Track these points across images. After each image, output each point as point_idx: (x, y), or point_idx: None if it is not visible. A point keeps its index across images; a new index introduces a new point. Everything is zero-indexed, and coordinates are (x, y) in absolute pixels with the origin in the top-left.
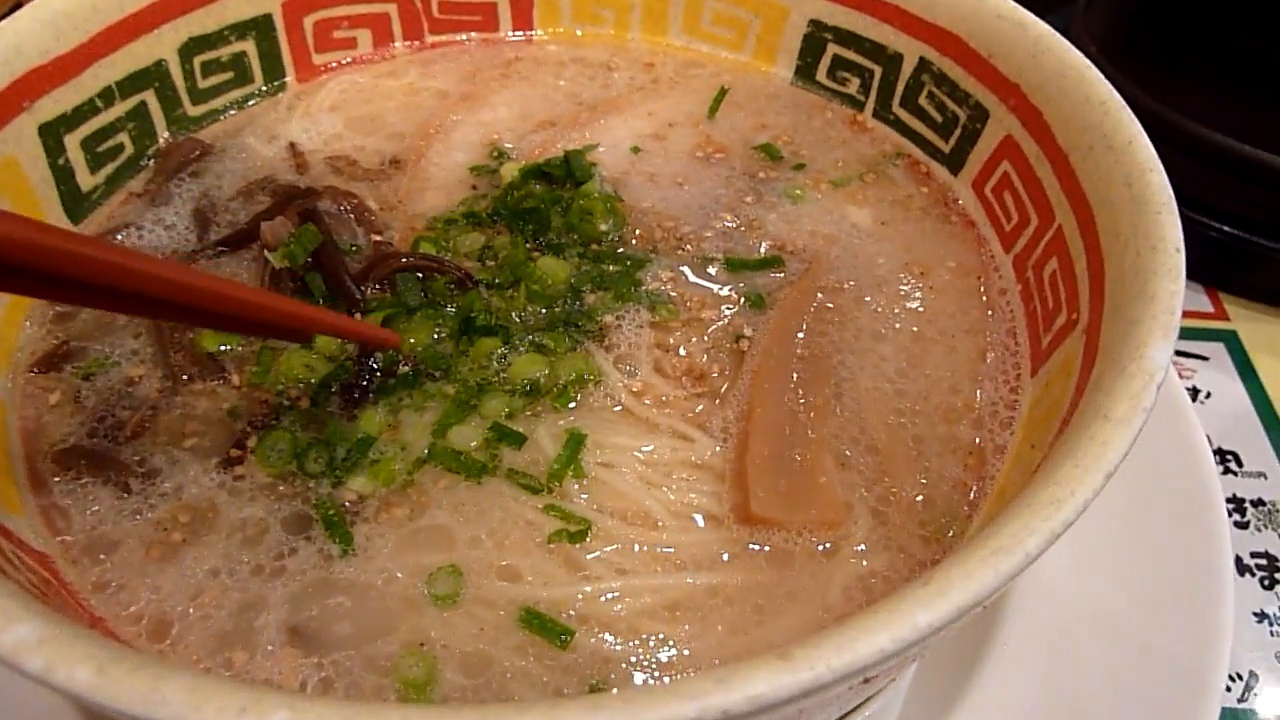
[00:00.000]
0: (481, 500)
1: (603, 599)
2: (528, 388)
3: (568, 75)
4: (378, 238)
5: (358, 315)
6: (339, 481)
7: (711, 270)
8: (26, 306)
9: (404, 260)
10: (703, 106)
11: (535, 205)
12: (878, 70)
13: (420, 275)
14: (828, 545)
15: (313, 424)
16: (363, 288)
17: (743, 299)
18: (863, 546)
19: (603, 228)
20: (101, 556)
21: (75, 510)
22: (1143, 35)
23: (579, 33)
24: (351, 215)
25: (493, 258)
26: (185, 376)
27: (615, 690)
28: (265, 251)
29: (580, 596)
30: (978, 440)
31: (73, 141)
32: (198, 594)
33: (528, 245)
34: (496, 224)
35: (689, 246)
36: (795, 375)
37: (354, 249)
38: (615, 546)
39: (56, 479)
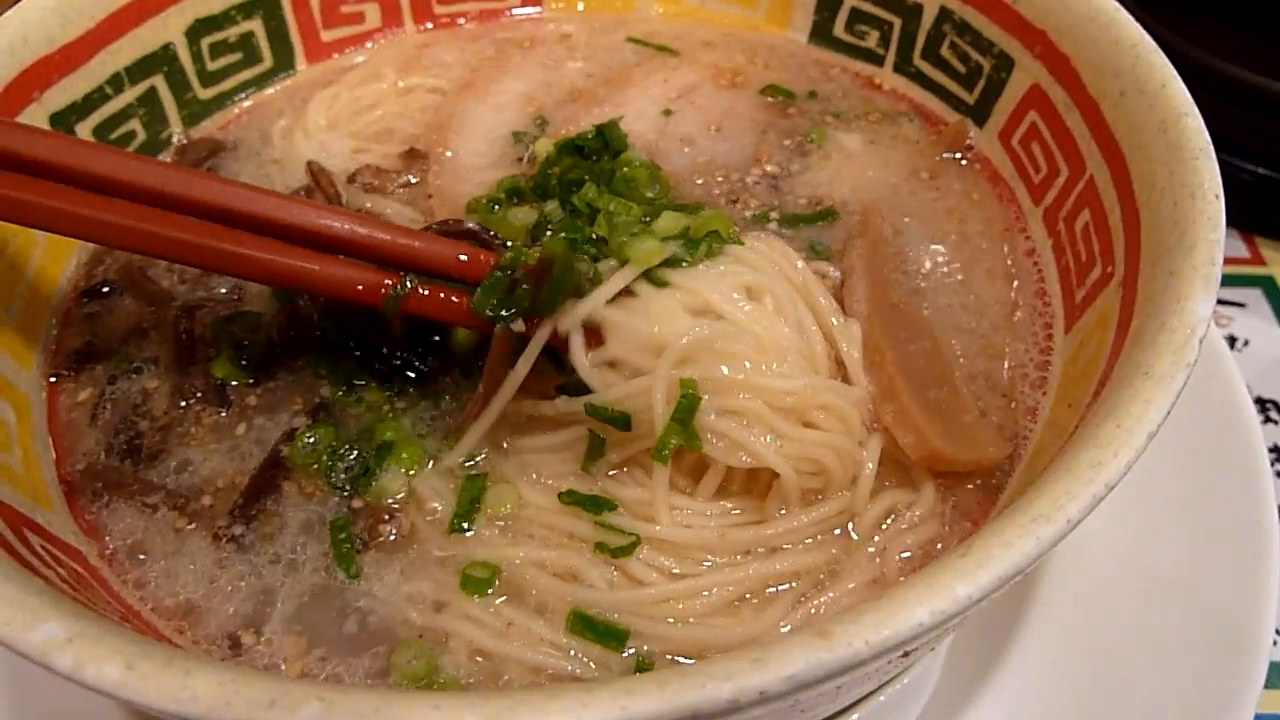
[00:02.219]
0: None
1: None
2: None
3: (570, 52)
4: None
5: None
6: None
7: (770, 227)
8: (51, 304)
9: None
10: (717, 74)
11: (580, 176)
12: (897, 22)
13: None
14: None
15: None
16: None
17: (811, 250)
18: (918, 512)
19: (649, 195)
20: (137, 556)
21: (100, 520)
22: None
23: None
24: None
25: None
26: (196, 395)
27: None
28: None
29: None
30: (1010, 401)
31: (85, 130)
32: (215, 586)
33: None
34: (543, 200)
35: (738, 204)
36: (901, 323)
37: None
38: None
39: (83, 491)
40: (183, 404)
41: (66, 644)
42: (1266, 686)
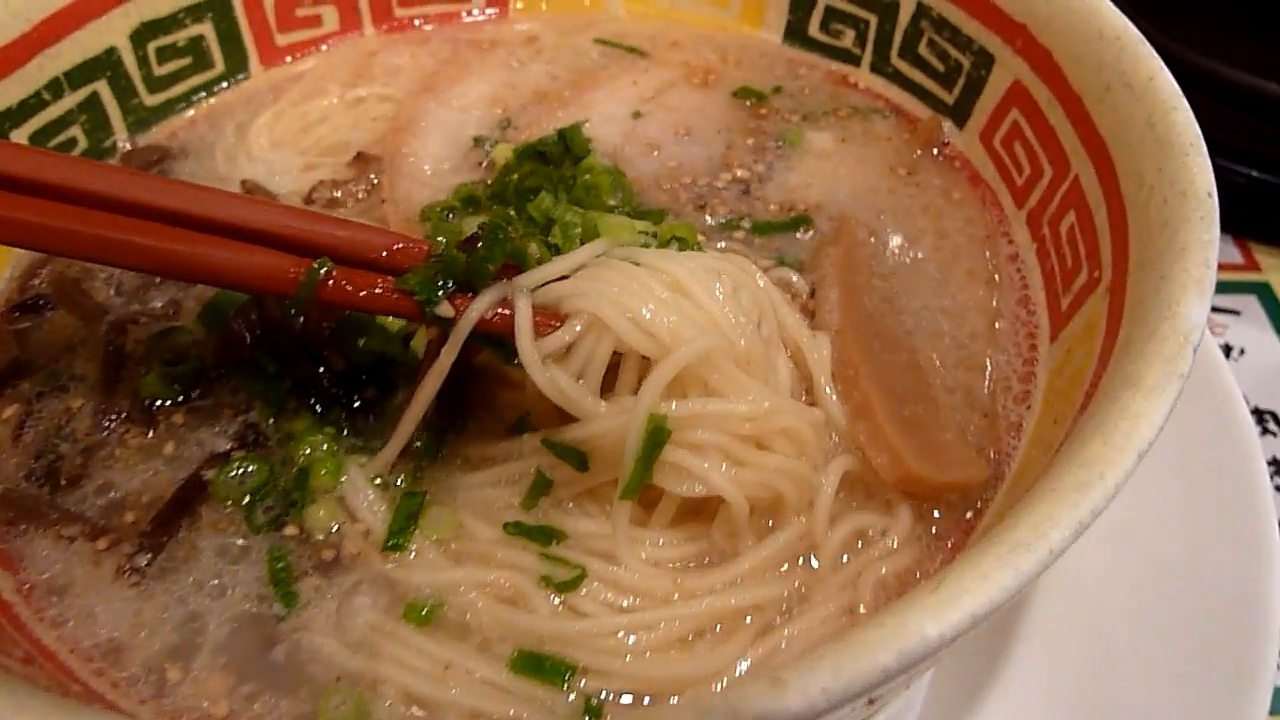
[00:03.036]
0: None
1: None
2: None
3: (535, 53)
4: None
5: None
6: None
7: (738, 235)
8: None
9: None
10: (688, 75)
11: (538, 184)
12: (873, 20)
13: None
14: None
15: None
16: (323, 353)
17: (778, 260)
18: (893, 539)
19: (610, 202)
20: (54, 591)
21: (16, 550)
22: None
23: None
24: None
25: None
26: (121, 415)
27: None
28: None
29: None
30: (991, 417)
31: (20, 136)
32: (140, 621)
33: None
34: (497, 208)
35: (706, 211)
36: (877, 333)
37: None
38: None
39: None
40: (107, 424)
41: None
42: (1271, 714)
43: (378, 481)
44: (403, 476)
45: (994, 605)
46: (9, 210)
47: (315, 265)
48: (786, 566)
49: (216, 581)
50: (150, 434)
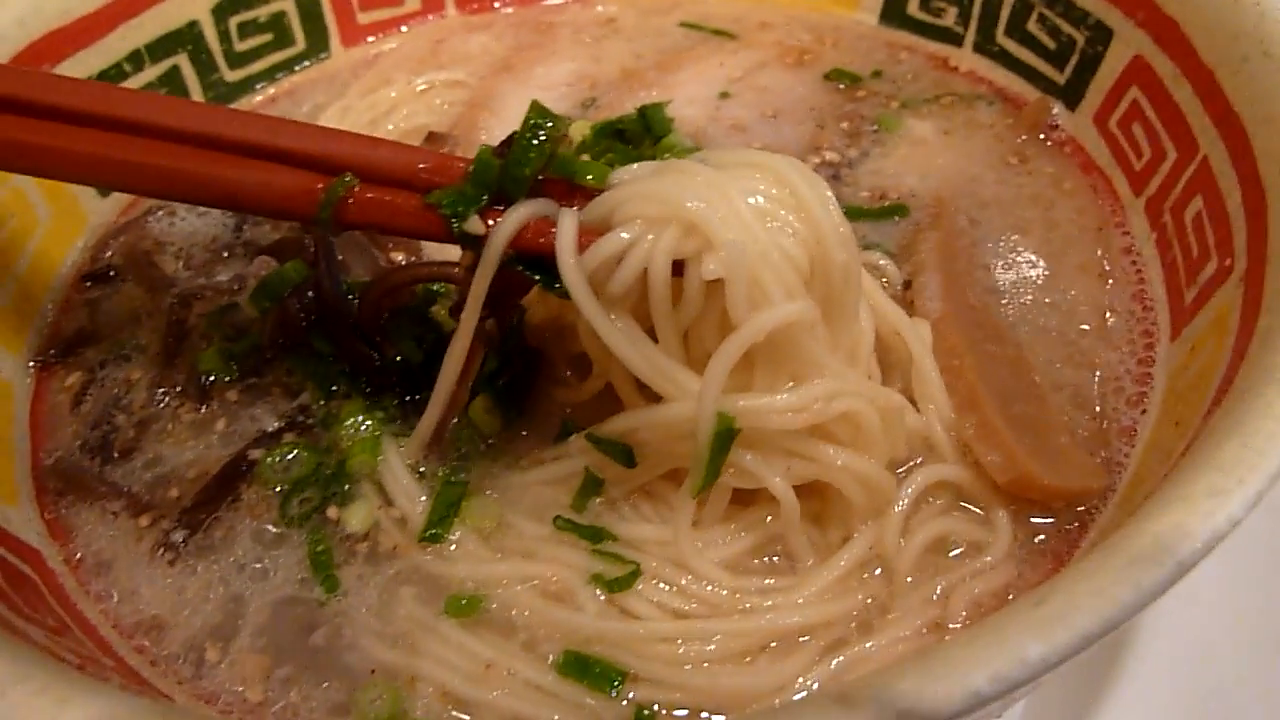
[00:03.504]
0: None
1: None
2: None
3: (617, 35)
4: (401, 258)
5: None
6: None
7: None
8: (49, 288)
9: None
10: (781, 55)
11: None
12: None
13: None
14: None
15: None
16: (375, 339)
17: (865, 245)
18: (990, 556)
19: None
20: (100, 565)
21: (66, 522)
22: None
23: None
24: (364, 235)
25: None
26: (177, 389)
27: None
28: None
29: None
30: (1101, 420)
31: None
32: (183, 600)
33: None
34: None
35: None
36: (980, 326)
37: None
38: None
39: (49, 491)
40: (163, 397)
41: None
42: None
43: (421, 470)
44: (443, 470)
45: (1108, 624)
46: (15, 133)
47: (336, 182)
48: (860, 579)
49: (259, 564)
50: (203, 409)
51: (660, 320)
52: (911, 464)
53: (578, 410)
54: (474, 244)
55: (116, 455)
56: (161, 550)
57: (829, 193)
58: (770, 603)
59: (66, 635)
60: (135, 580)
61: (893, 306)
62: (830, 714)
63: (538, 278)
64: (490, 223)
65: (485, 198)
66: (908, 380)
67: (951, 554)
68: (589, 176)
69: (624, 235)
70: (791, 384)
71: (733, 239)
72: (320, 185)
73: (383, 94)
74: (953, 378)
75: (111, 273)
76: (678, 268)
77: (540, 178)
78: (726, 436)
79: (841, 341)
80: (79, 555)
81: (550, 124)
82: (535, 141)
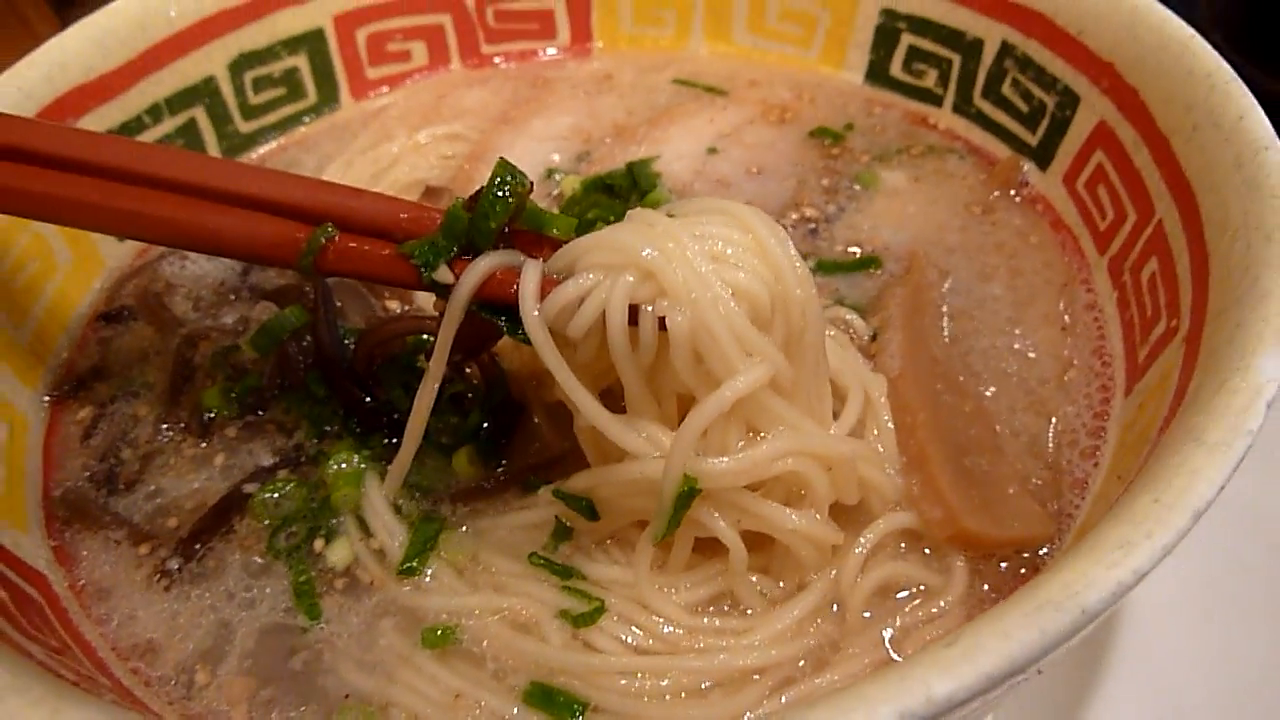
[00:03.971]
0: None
1: None
2: None
3: (612, 91)
4: (397, 306)
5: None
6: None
7: None
8: (65, 327)
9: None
10: (765, 113)
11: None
12: (956, 59)
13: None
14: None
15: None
16: (368, 383)
17: (836, 300)
18: (945, 600)
19: None
20: (101, 591)
21: (71, 549)
22: (1272, 20)
23: (637, 35)
24: (361, 284)
25: None
26: (180, 425)
27: None
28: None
29: None
30: (1055, 472)
31: None
32: (175, 624)
33: None
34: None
35: None
36: (942, 379)
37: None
38: None
39: (57, 519)
40: (167, 432)
41: None
42: None
43: (399, 506)
44: (422, 508)
45: (1013, 666)
46: (15, 181)
47: (317, 231)
48: (814, 623)
49: (248, 593)
50: (204, 444)
51: (620, 362)
52: (869, 511)
53: (553, 461)
54: (443, 292)
55: (121, 487)
56: (158, 577)
57: (785, 234)
58: (725, 644)
59: (66, 654)
60: (133, 605)
61: (853, 359)
62: None
63: (505, 323)
64: (458, 272)
65: (454, 249)
66: (865, 430)
67: (903, 596)
68: (555, 230)
69: (581, 281)
70: (748, 436)
71: (682, 282)
72: (302, 234)
73: (384, 149)
74: (905, 435)
75: (125, 313)
76: (636, 314)
77: (511, 230)
78: (689, 495)
79: (804, 379)
80: (82, 581)
81: (514, 179)
82: (500, 195)
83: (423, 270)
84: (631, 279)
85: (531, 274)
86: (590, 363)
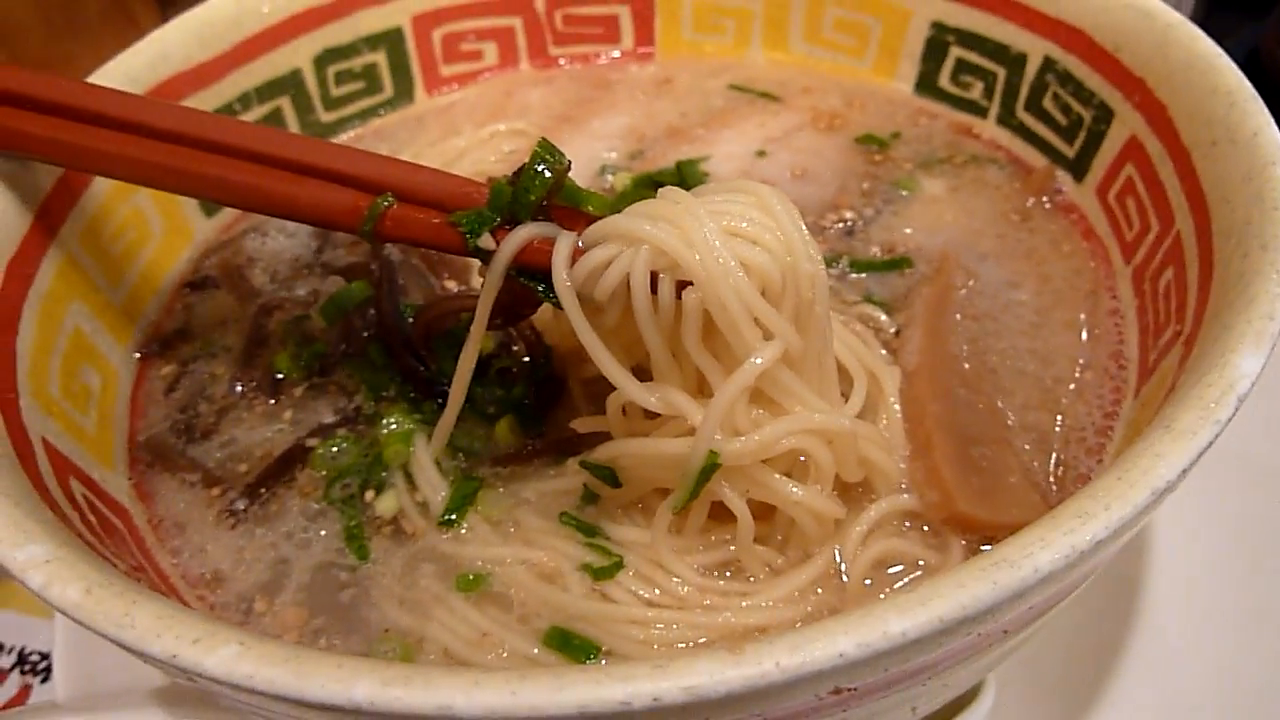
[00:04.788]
0: None
1: None
2: None
3: (669, 94)
4: (454, 286)
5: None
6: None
7: (833, 271)
8: (156, 291)
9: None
10: (814, 119)
11: None
12: (1001, 72)
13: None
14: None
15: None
16: (423, 354)
17: (871, 298)
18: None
19: None
20: (177, 526)
21: (152, 488)
22: None
23: (697, 42)
24: (422, 263)
25: None
26: (253, 384)
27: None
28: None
29: None
30: (1060, 465)
31: None
32: (239, 558)
33: None
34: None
35: None
36: (959, 374)
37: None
38: None
39: (140, 462)
40: (240, 389)
41: (44, 564)
42: None
43: (441, 465)
44: (463, 466)
45: (964, 612)
46: (126, 149)
47: (378, 200)
48: (815, 591)
49: (305, 534)
50: (273, 402)
51: (643, 323)
52: (874, 492)
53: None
54: (486, 258)
55: (198, 436)
56: (227, 516)
57: (795, 210)
58: (731, 603)
59: (142, 575)
60: (203, 540)
61: (871, 351)
62: (719, 659)
63: (540, 289)
64: (500, 240)
65: (498, 219)
66: (875, 416)
67: (901, 569)
68: (590, 207)
69: (606, 250)
70: (758, 408)
71: (696, 258)
72: (365, 203)
73: (452, 143)
74: (915, 424)
75: (208, 282)
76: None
77: (551, 205)
78: (710, 470)
79: (811, 351)
80: (160, 516)
81: (554, 158)
82: (540, 171)
83: (468, 237)
84: (652, 250)
85: (565, 243)
86: (617, 328)
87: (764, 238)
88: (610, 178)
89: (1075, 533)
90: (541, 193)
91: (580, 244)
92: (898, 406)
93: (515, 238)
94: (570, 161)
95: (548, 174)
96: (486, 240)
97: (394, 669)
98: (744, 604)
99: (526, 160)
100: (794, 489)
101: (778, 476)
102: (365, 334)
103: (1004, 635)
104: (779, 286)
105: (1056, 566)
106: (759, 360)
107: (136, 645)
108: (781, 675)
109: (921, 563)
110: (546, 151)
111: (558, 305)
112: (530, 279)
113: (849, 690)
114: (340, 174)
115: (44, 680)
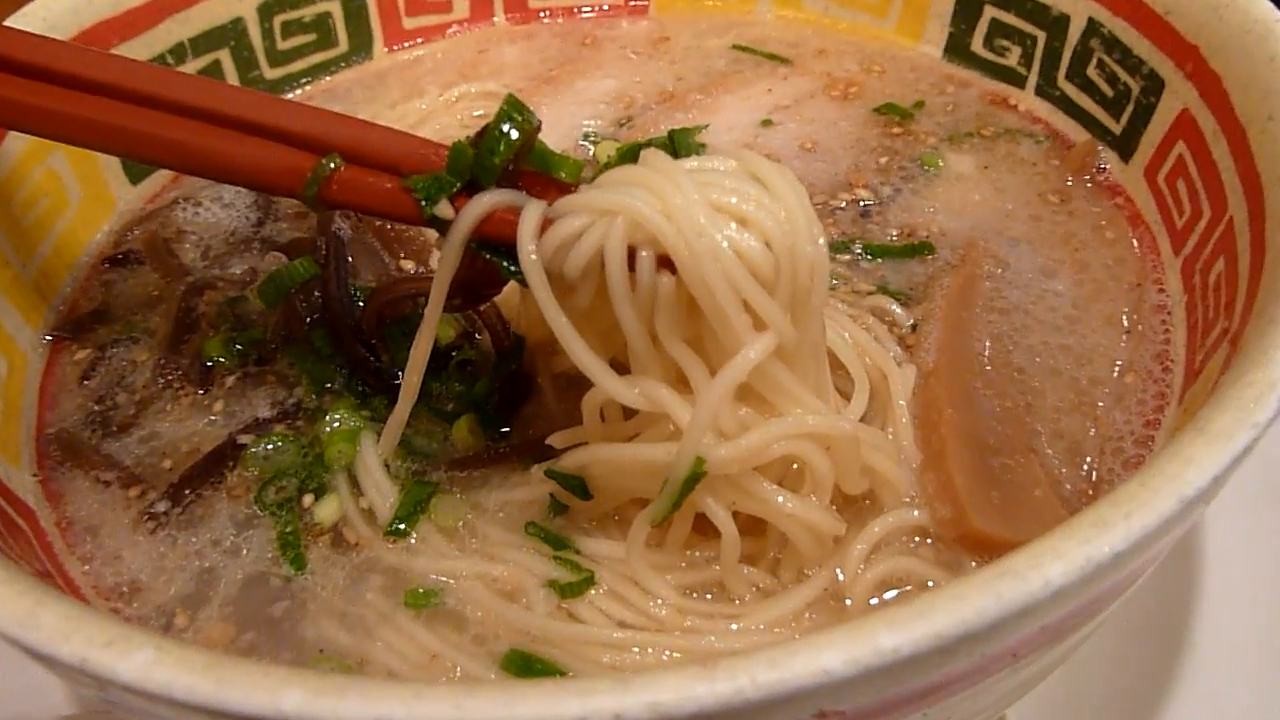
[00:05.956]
0: None
1: None
2: None
3: (665, 54)
4: (411, 267)
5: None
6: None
7: (845, 257)
8: (71, 267)
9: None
10: (828, 86)
11: None
12: (1041, 36)
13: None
14: None
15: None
16: (373, 342)
17: (886, 288)
18: None
19: None
20: (87, 530)
21: (60, 487)
22: None
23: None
24: (376, 240)
25: None
26: (179, 372)
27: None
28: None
29: None
30: (1092, 476)
31: None
32: (159, 567)
33: None
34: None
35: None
36: (981, 375)
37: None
38: None
39: (49, 457)
40: (165, 378)
41: None
42: None
43: (393, 466)
44: (414, 467)
45: (964, 627)
46: (34, 98)
47: (324, 161)
48: (810, 616)
49: (234, 541)
50: (202, 393)
51: (619, 305)
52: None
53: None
54: (443, 228)
55: (115, 429)
56: (146, 520)
57: (800, 185)
58: (714, 626)
59: (49, 584)
60: (119, 545)
61: (878, 347)
62: (688, 675)
63: (505, 264)
64: (459, 208)
65: (458, 185)
66: (882, 420)
67: (908, 593)
68: (562, 173)
69: (579, 220)
70: (746, 408)
71: (677, 232)
72: (310, 165)
73: (413, 105)
74: (928, 431)
75: (131, 257)
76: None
77: (519, 170)
78: (694, 479)
79: (806, 345)
80: (70, 519)
81: (522, 116)
82: (505, 131)
83: (424, 204)
84: (628, 222)
85: (532, 212)
86: (591, 312)
87: (758, 215)
88: (592, 148)
89: (1091, 543)
90: (507, 155)
91: (550, 214)
92: (907, 409)
93: (476, 205)
94: (540, 121)
95: (514, 134)
96: (444, 208)
97: (327, 679)
98: (733, 627)
99: (491, 120)
100: (787, 501)
101: (769, 486)
102: (309, 319)
103: (1013, 660)
104: (773, 271)
105: (1069, 580)
106: (753, 353)
107: (42, 648)
108: (757, 693)
109: (931, 584)
110: (514, 109)
111: (524, 283)
112: (493, 253)
113: (835, 714)
114: (284, 132)
115: None
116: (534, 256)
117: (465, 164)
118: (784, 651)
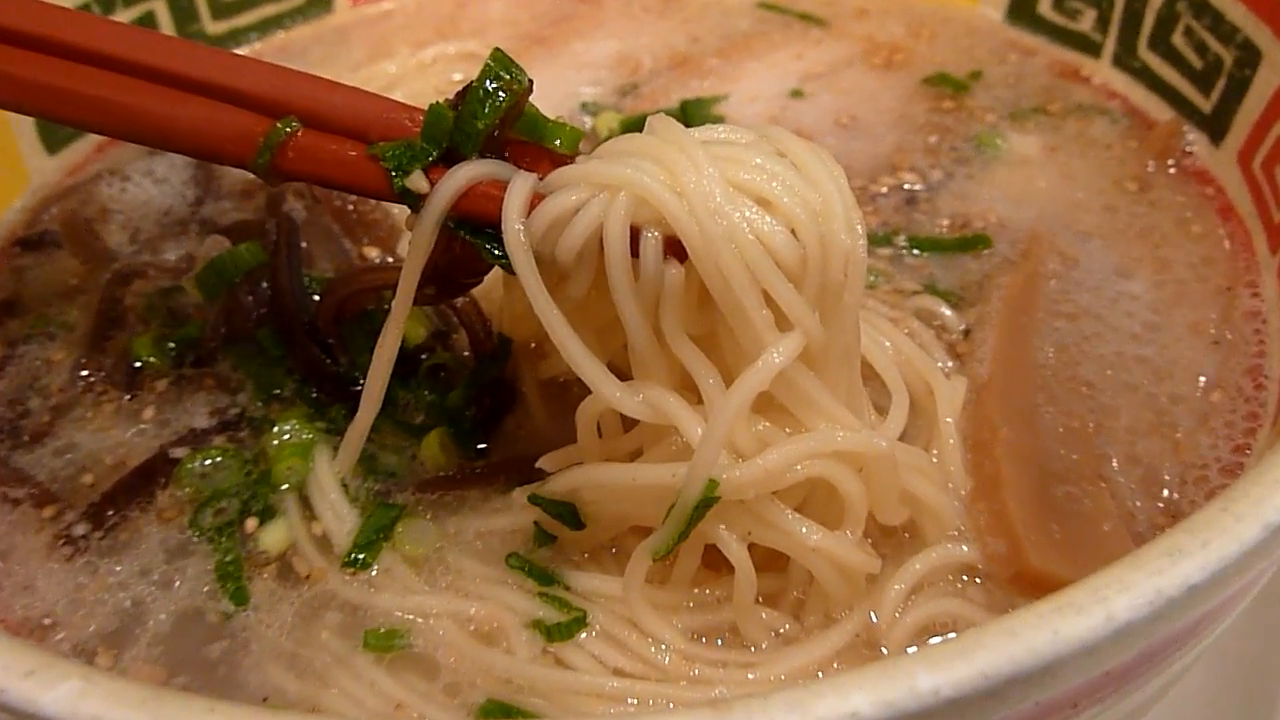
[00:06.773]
0: None
1: None
2: None
3: (679, 12)
4: (376, 255)
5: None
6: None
7: (886, 251)
8: None
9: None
10: (871, 53)
11: None
12: None
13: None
14: None
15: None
16: (330, 342)
17: (934, 288)
18: None
19: None
20: None
21: None
22: None
23: None
24: (335, 223)
25: None
26: (102, 374)
27: None
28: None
29: None
30: (1169, 511)
31: None
32: (77, 599)
33: None
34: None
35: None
36: (1044, 389)
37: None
38: None
39: None
40: (85, 380)
41: None
42: None
43: (352, 486)
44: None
45: (1015, 666)
46: None
47: (279, 124)
48: (839, 664)
49: (165, 570)
50: (129, 398)
51: (620, 295)
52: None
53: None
54: (416, 204)
55: (26, 439)
56: (62, 544)
57: (836, 165)
58: (726, 675)
59: None
60: (30, 573)
61: (923, 356)
62: (701, 718)
63: (488, 246)
64: (435, 181)
65: (434, 154)
66: (926, 440)
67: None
68: (557, 141)
69: (574, 194)
70: (766, 422)
71: (687, 210)
72: (262, 129)
73: (381, 68)
74: (980, 454)
75: (47, 239)
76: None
77: (506, 138)
78: (706, 505)
79: (836, 349)
80: None
81: (510, 75)
82: (490, 92)
83: (394, 175)
84: (631, 199)
85: (521, 186)
86: (587, 304)
87: (784, 197)
88: (591, 120)
89: (1163, 574)
90: (492, 120)
91: (541, 189)
92: (956, 428)
93: (455, 178)
94: (532, 81)
95: (501, 96)
96: (418, 180)
97: (280, 716)
98: (749, 677)
99: (474, 79)
100: (812, 532)
101: (791, 515)
102: (255, 314)
103: (1073, 711)
104: (800, 261)
105: (1137, 615)
106: (777, 356)
107: None
108: None
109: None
110: (501, 66)
111: (509, 269)
112: (474, 234)
113: None
114: (232, 91)
115: None
116: (521, 237)
117: (443, 130)
118: (807, 693)
